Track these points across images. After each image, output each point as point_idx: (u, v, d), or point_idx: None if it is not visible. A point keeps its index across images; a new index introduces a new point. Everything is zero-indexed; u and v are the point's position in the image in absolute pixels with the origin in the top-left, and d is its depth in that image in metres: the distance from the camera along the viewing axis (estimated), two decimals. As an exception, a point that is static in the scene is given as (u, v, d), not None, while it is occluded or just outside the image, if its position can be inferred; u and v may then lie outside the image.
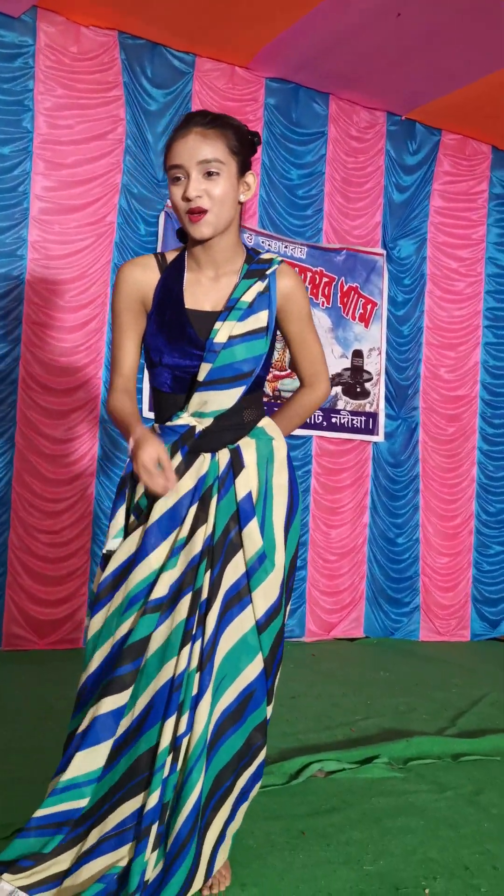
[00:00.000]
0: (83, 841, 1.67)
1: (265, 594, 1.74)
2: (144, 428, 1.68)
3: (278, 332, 1.90)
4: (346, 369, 5.02)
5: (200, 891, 1.76)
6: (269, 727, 1.85)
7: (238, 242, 1.82)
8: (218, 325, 1.74)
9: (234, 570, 1.74)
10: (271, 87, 4.79)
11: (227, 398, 1.76)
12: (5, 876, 1.61)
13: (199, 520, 1.73)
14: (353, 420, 5.04)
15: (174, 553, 1.71)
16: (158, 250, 4.42)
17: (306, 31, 4.20)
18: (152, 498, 1.74)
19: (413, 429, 5.23)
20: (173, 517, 1.73)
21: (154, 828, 1.64)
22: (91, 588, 4.23)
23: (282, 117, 4.83)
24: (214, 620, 1.70)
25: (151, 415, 4.40)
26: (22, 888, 1.60)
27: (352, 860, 1.97)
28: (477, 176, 5.45)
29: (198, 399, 1.75)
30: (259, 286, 1.78)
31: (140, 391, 4.26)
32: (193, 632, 1.69)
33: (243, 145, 1.74)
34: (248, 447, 1.79)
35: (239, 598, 1.74)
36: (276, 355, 4.74)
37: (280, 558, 1.77)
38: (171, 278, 1.79)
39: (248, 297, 1.77)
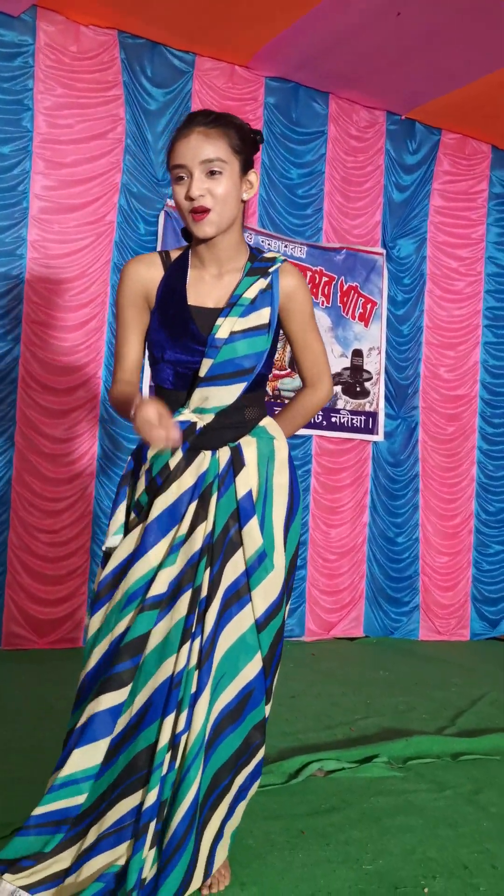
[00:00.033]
0: (83, 839, 1.68)
1: (265, 593, 1.74)
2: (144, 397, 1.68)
3: (281, 332, 1.91)
4: (345, 368, 5.02)
5: (200, 890, 1.77)
6: (268, 726, 1.85)
7: (241, 240, 1.83)
8: (220, 321, 1.75)
9: (234, 569, 1.74)
10: (271, 86, 4.79)
11: (227, 394, 1.76)
12: (6, 876, 1.62)
13: (199, 517, 1.73)
14: (352, 419, 5.04)
15: (173, 550, 1.71)
16: (158, 249, 4.42)
17: (306, 31, 4.20)
18: (153, 495, 1.74)
19: (413, 428, 5.23)
20: (173, 514, 1.73)
21: (152, 825, 1.65)
22: (91, 587, 4.24)
23: (281, 116, 4.83)
24: (213, 618, 1.70)
25: (151, 414, 4.41)
26: (23, 887, 1.61)
27: (351, 859, 1.98)
28: (477, 175, 5.45)
29: (199, 395, 1.76)
30: (262, 283, 1.79)
31: (140, 391, 4.25)
32: (193, 629, 1.69)
33: (246, 144, 1.75)
34: (248, 445, 1.80)
35: (238, 596, 1.74)
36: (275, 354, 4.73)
37: (279, 558, 1.77)
38: (175, 275, 1.81)
39: (251, 293, 1.78)
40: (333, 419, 4.97)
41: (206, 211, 1.70)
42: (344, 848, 2.03)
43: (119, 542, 1.78)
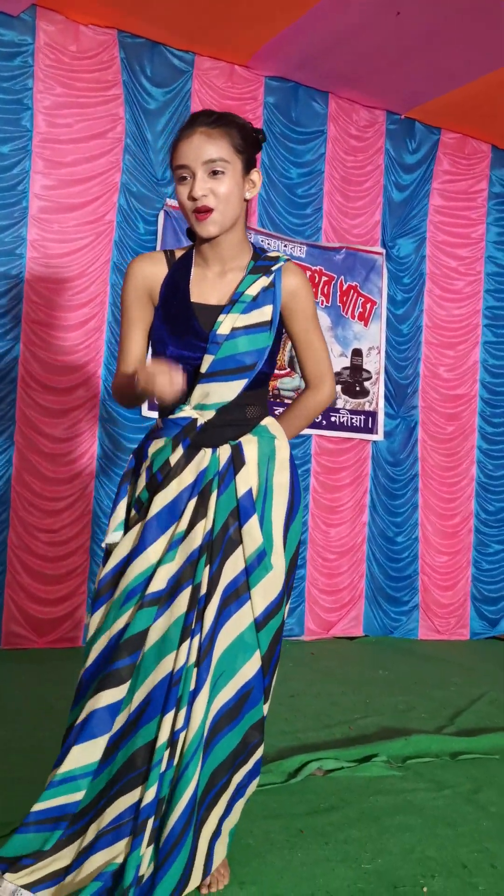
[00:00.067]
0: (83, 836, 1.68)
1: (264, 592, 1.75)
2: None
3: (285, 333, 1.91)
4: (345, 368, 5.02)
5: (199, 889, 1.77)
6: (267, 725, 1.86)
7: (244, 239, 1.85)
8: (222, 317, 1.77)
9: (233, 567, 1.75)
10: (271, 85, 4.79)
11: (228, 390, 1.77)
12: (7, 875, 1.62)
13: (199, 514, 1.74)
14: (352, 419, 5.04)
15: (172, 546, 1.72)
16: (158, 249, 4.42)
17: (306, 30, 4.20)
18: (153, 491, 1.75)
19: (412, 427, 5.23)
20: (173, 511, 1.74)
21: (150, 822, 1.65)
22: (91, 587, 4.24)
23: (281, 116, 4.83)
24: (212, 616, 1.71)
25: (151, 414, 4.42)
26: (24, 886, 1.62)
27: (350, 858, 1.98)
28: (476, 175, 5.45)
29: (200, 391, 1.77)
30: (264, 281, 1.80)
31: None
32: (192, 627, 1.70)
33: (248, 143, 1.76)
34: (249, 444, 1.80)
35: (237, 595, 1.74)
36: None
37: (278, 558, 1.77)
38: (179, 273, 1.82)
39: (253, 290, 1.79)
40: (333, 418, 4.97)
41: (209, 210, 1.72)
42: (343, 847, 2.03)
43: (119, 539, 1.79)
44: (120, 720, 1.69)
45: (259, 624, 1.74)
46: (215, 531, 1.74)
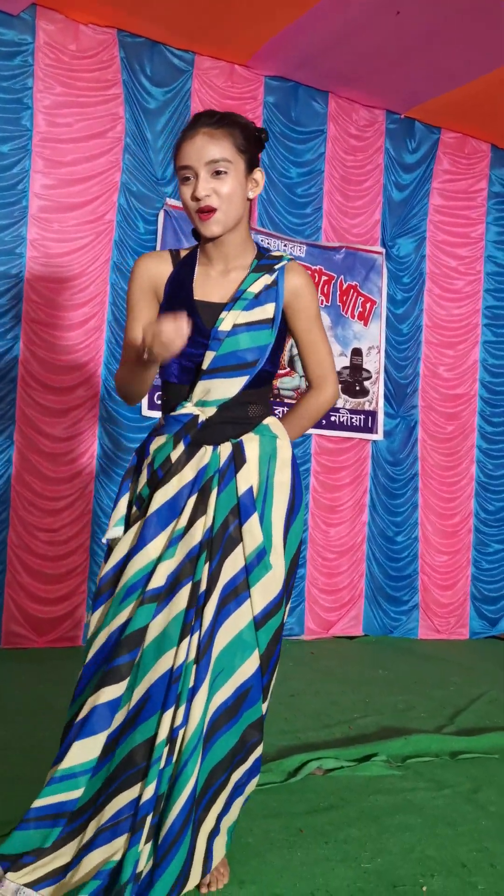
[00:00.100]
0: (82, 833, 1.69)
1: (264, 590, 1.75)
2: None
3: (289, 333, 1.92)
4: (345, 367, 5.02)
5: (198, 888, 1.77)
6: (267, 725, 1.86)
7: (248, 238, 1.87)
8: (223, 314, 1.78)
9: (233, 565, 1.75)
10: (270, 85, 4.79)
11: (229, 387, 1.78)
12: (9, 875, 1.63)
13: (199, 511, 1.75)
14: (352, 418, 5.04)
15: (172, 543, 1.73)
16: (157, 248, 4.43)
17: (306, 29, 4.20)
18: (153, 488, 1.76)
19: (412, 427, 5.24)
20: (173, 507, 1.75)
21: (149, 819, 1.65)
22: (91, 586, 4.25)
23: (281, 115, 4.82)
24: (211, 614, 1.71)
25: (151, 413, 4.42)
26: (26, 885, 1.62)
27: (350, 858, 1.98)
28: (476, 174, 5.45)
29: (201, 387, 1.78)
30: (267, 279, 1.82)
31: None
32: (192, 624, 1.70)
33: (250, 143, 1.78)
34: (251, 443, 1.81)
35: (236, 593, 1.74)
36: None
37: (277, 557, 1.77)
38: (183, 271, 1.84)
39: (255, 288, 1.80)
40: (333, 418, 4.97)
41: (212, 210, 1.73)
42: (343, 846, 2.04)
43: (119, 535, 1.80)
44: (119, 717, 1.70)
45: (258, 622, 1.74)
46: (215, 528, 1.75)
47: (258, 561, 1.75)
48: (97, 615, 1.78)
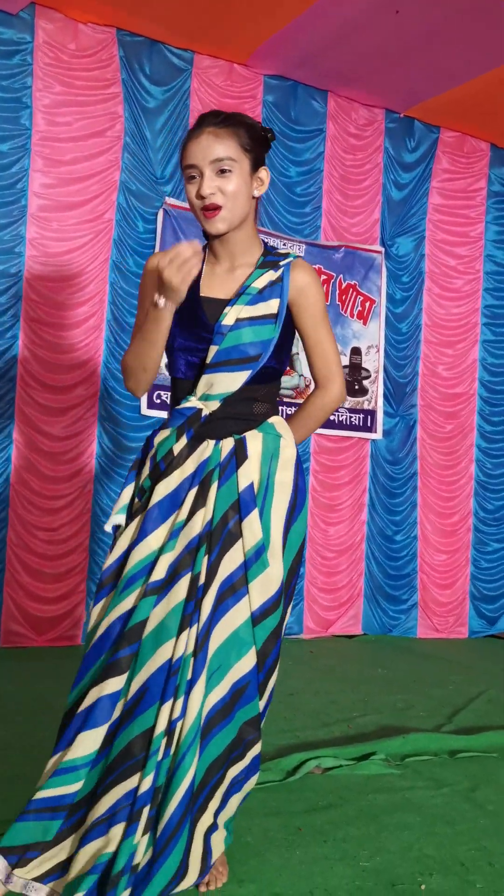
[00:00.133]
0: (83, 825, 1.70)
1: (262, 587, 1.75)
2: None
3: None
4: (344, 367, 5.02)
5: (198, 887, 1.77)
6: (266, 724, 1.86)
7: (254, 236, 1.88)
8: (227, 309, 1.80)
9: (231, 561, 1.75)
10: (270, 84, 4.79)
11: (232, 381, 1.79)
12: (17, 871, 1.66)
13: (198, 503, 1.76)
14: (351, 417, 5.05)
15: (173, 535, 1.74)
16: (157, 248, 4.43)
17: (305, 28, 4.20)
18: (155, 480, 1.78)
19: (411, 426, 5.24)
20: (174, 500, 1.76)
21: (146, 810, 1.66)
22: (90, 585, 4.25)
23: (280, 114, 4.82)
24: (209, 608, 1.72)
25: (150, 412, 4.42)
26: (34, 879, 1.66)
27: (348, 856, 1.98)
28: (475, 173, 5.45)
29: (205, 381, 1.80)
30: (272, 275, 1.83)
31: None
32: (191, 616, 1.71)
33: (256, 142, 1.79)
34: (254, 440, 1.81)
35: (233, 589, 1.75)
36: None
37: (274, 557, 1.77)
38: None
39: (259, 284, 1.82)
40: (332, 417, 4.97)
41: (217, 208, 1.76)
42: (341, 845, 2.04)
43: (121, 522, 1.82)
44: (118, 709, 1.71)
45: (256, 619, 1.75)
46: (214, 522, 1.75)
47: (257, 557, 1.75)
48: (99, 606, 1.79)
